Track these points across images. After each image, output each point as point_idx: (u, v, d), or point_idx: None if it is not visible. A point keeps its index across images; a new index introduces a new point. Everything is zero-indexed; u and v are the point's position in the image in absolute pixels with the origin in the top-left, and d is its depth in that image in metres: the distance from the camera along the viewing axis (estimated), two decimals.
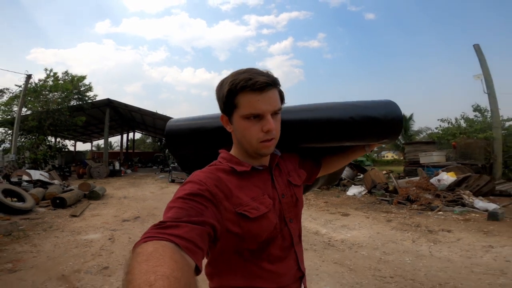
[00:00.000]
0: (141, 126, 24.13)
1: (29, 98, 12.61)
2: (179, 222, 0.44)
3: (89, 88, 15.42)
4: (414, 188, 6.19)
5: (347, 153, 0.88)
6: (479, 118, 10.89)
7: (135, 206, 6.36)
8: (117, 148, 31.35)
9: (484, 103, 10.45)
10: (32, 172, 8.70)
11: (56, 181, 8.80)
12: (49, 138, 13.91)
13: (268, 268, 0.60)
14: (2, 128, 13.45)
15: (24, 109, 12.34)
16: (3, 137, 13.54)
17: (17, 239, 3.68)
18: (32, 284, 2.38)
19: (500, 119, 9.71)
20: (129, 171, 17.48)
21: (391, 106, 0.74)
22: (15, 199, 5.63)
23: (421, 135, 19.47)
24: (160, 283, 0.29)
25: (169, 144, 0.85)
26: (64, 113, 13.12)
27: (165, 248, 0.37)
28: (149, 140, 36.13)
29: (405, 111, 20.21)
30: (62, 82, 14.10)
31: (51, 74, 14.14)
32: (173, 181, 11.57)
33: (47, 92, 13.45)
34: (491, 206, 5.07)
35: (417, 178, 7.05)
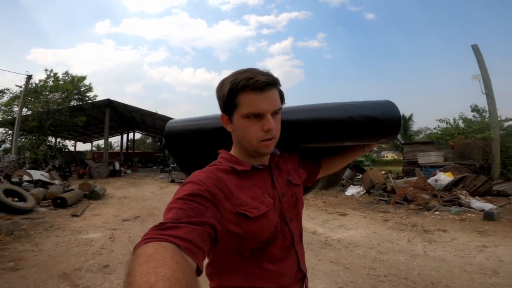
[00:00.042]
0: (141, 126, 24.20)
1: (29, 98, 12.68)
2: (179, 223, 0.44)
3: (89, 89, 15.51)
4: (412, 188, 6.25)
5: (347, 153, 0.88)
6: (477, 119, 10.94)
7: (135, 206, 6.42)
8: (117, 148, 31.42)
9: (483, 103, 10.52)
10: (32, 172, 8.76)
11: (56, 181, 8.85)
12: (50, 138, 13.99)
13: (269, 268, 0.60)
14: (2, 129, 13.54)
15: (24, 110, 12.40)
16: (3, 137, 13.61)
17: (18, 238, 3.73)
18: (34, 282, 2.43)
19: (499, 119, 9.76)
20: (129, 171, 17.54)
21: (389, 106, 0.75)
22: (16, 199, 5.69)
23: (421, 135, 19.51)
24: (161, 284, 0.29)
25: (169, 145, 0.86)
26: (64, 113, 13.19)
27: (165, 249, 0.37)
28: (149, 140, 36.20)
29: (405, 111, 20.24)
30: (62, 82, 14.18)
31: (52, 74, 14.23)
32: (173, 181, 11.62)
33: (47, 93, 13.53)
34: (488, 206, 5.12)
35: (415, 178, 7.11)
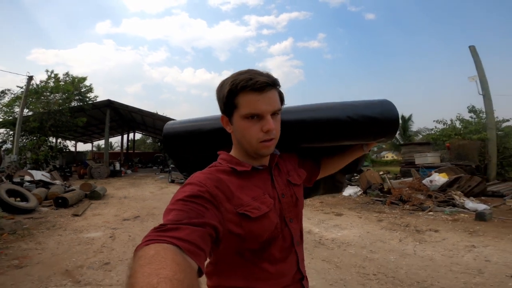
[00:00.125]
0: (141, 126, 24.32)
1: (30, 99, 12.79)
2: (179, 225, 0.44)
3: (90, 89, 15.64)
4: (407, 188, 6.35)
5: (346, 153, 0.88)
6: (474, 119, 11.02)
7: (135, 206, 6.52)
8: (118, 149, 31.53)
9: (481, 104, 10.59)
10: (34, 172, 8.86)
11: (57, 182, 8.96)
12: (51, 138, 14.09)
13: (269, 269, 0.60)
14: (4, 129, 13.64)
15: (25, 110, 12.50)
16: (5, 138, 13.74)
17: (22, 237, 3.85)
18: (38, 278, 2.54)
19: (496, 120, 9.84)
20: (129, 171, 17.65)
21: (387, 105, 0.76)
22: (18, 199, 5.79)
23: (420, 136, 19.58)
24: (163, 285, 0.30)
25: (167, 147, 0.85)
26: (65, 114, 13.30)
27: (166, 251, 0.37)
28: (149, 140, 36.30)
29: (404, 112, 20.32)
30: (63, 83, 14.30)
31: (52, 75, 14.34)
32: (172, 181, 11.72)
33: (48, 93, 13.64)
34: (481, 206, 5.21)
35: (411, 178, 7.21)
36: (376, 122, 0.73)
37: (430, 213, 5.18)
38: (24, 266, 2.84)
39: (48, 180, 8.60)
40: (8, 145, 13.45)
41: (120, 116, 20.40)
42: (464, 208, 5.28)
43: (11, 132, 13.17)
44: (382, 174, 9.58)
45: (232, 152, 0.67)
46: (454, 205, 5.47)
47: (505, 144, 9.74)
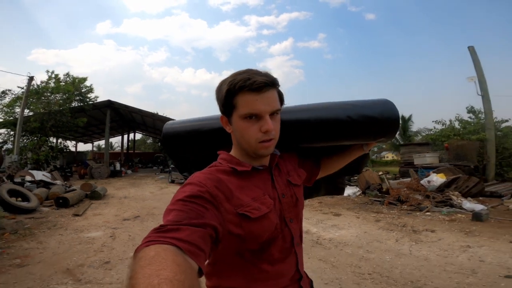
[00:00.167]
0: (141, 127, 24.40)
1: (31, 99, 12.86)
2: (180, 225, 0.44)
3: (90, 90, 15.72)
4: (405, 189, 6.39)
5: (346, 153, 0.88)
6: (473, 120, 11.06)
7: (135, 206, 6.57)
8: (118, 149, 31.61)
9: (480, 104, 10.62)
10: (34, 172, 8.92)
11: (58, 182, 9.02)
12: (51, 139, 14.16)
13: (268, 270, 0.60)
14: (4, 129, 13.72)
15: (26, 111, 12.57)
16: (5, 138, 13.81)
17: (23, 237, 3.90)
18: (40, 277, 2.59)
19: (494, 120, 9.88)
20: (129, 171, 17.71)
21: (387, 105, 0.75)
22: (19, 199, 5.85)
23: (420, 136, 19.60)
24: (163, 286, 0.30)
25: (167, 147, 0.85)
26: (65, 114, 13.38)
27: (167, 252, 0.37)
28: (149, 140, 36.38)
29: (404, 112, 20.33)
30: (63, 84, 14.38)
31: (53, 76, 14.42)
32: (172, 181, 11.77)
33: (49, 94, 13.72)
34: (478, 207, 5.24)
35: (409, 179, 7.25)
36: (376, 122, 0.73)
37: (428, 213, 5.21)
38: (26, 265, 2.89)
39: (48, 180, 8.66)
40: (9, 145, 13.52)
41: (120, 117, 20.47)
42: (462, 208, 5.31)
43: (11, 133, 13.23)
44: (381, 175, 9.62)
45: (232, 152, 0.67)
46: (452, 206, 5.50)
47: (504, 144, 9.78)
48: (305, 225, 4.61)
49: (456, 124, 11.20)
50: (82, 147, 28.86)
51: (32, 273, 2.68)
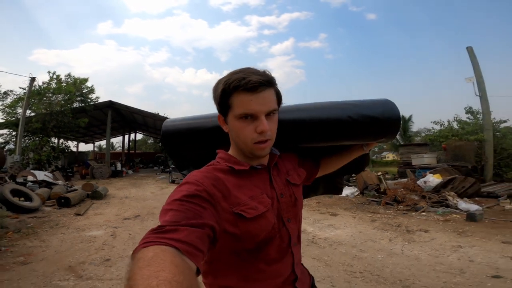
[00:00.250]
0: (142, 127, 24.51)
1: (33, 100, 12.99)
2: (178, 226, 0.44)
3: (91, 90, 15.86)
4: (402, 189, 6.46)
5: (345, 153, 0.88)
6: (471, 120, 11.09)
7: (136, 206, 6.67)
8: (119, 149, 31.78)
9: (478, 105, 10.65)
10: (36, 172, 9.04)
11: (60, 182, 9.13)
12: (53, 139, 14.30)
13: (264, 269, 0.60)
14: (6, 130, 13.86)
15: (28, 111, 12.69)
16: (7, 139, 13.96)
17: (26, 236, 4.00)
18: (43, 273, 2.69)
19: (493, 121, 9.92)
20: (130, 171, 17.80)
21: (388, 105, 0.75)
22: (22, 199, 5.96)
23: (420, 136, 19.63)
24: (162, 287, 0.30)
25: (166, 145, 0.84)
26: (67, 115, 13.49)
27: (165, 253, 0.37)
28: (150, 141, 36.50)
29: (405, 112, 20.34)
30: (65, 84, 14.51)
31: (54, 76, 14.56)
32: (173, 181, 11.85)
33: (50, 95, 13.85)
34: (474, 207, 5.31)
35: (406, 179, 7.32)
36: (377, 122, 0.73)
37: (423, 213, 5.28)
38: (29, 262, 2.99)
39: (50, 180, 8.77)
40: (11, 146, 13.66)
41: (121, 117, 20.59)
42: (457, 209, 5.38)
43: (13, 133, 13.37)
44: (380, 175, 9.69)
45: (230, 151, 0.66)
46: (448, 206, 5.57)
47: (502, 145, 9.81)
48: (302, 225, 4.65)
49: (455, 125, 11.24)
50: (84, 147, 29.02)
51: (35, 270, 2.78)
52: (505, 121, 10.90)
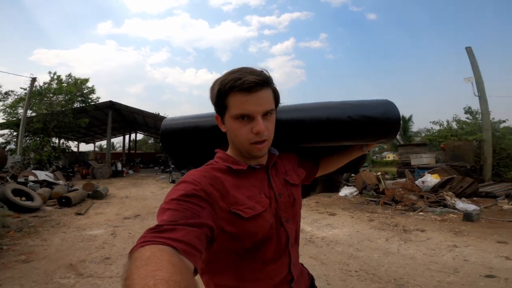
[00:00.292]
0: (143, 127, 24.57)
1: (34, 100, 13.05)
2: (175, 225, 0.44)
3: (92, 91, 15.91)
4: (400, 189, 6.50)
5: (345, 153, 0.88)
6: (471, 120, 11.11)
7: (136, 205, 6.72)
8: (120, 149, 31.86)
9: (478, 105, 10.66)
10: (37, 172, 9.10)
11: (61, 182, 9.19)
12: (54, 139, 14.35)
13: (260, 269, 0.60)
14: (7, 130, 13.94)
15: (29, 112, 12.75)
16: (8, 139, 14.04)
17: (28, 235, 4.06)
18: (44, 271, 2.75)
19: (492, 121, 9.94)
20: (131, 171, 17.85)
21: (389, 106, 0.75)
22: (24, 198, 6.02)
23: (420, 137, 19.65)
24: (159, 287, 0.30)
25: (165, 144, 0.84)
26: (68, 115, 13.55)
27: (162, 252, 0.37)
28: (151, 141, 36.59)
29: (405, 112, 20.38)
30: (65, 85, 14.57)
31: (55, 77, 14.64)
32: (173, 181, 11.89)
33: (51, 95, 13.92)
34: (471, 207, 5.34)
35: (405, 179, 7.36)
36: (377, 123, 0.73)
37: (421, 213, 5.32)
38: (31, 260, 3.04)
39: (51, 180, 8.83)
40: (12, 146, 13.74)
41: (122, 117, 20.65)
42: (455, 208, 5.41)
43: (14, 133, 13.45)
44: (380, 175, 9.73)
45: (228, 151, 0.66)
46: (445, 206, 5.60)
47: (501, 145, 9.83)
48: (301, 224, 4.73)
49: (454, 125, 11.26)
50: (84, 147, 29.11)
51: (37, 268, 2.84)
52: (504, 121, 10.94)
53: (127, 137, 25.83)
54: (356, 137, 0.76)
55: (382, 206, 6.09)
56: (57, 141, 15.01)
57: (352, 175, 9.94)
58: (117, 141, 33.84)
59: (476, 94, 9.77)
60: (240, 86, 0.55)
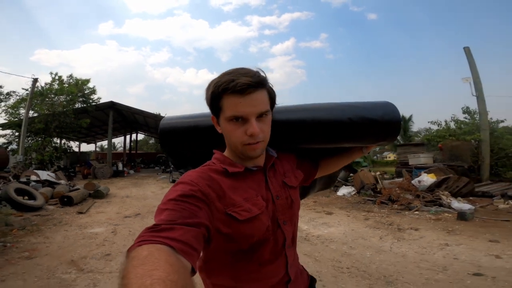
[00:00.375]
0: (143, 127, 24.70)
1: (35, 101, 13.19)
2: (173, 225, 0.44)
3: (93, 91, 16.07)
4: (397, 188, 6.57)
5: (345, 154, 0.87)
6: (469, 120, 11.16)
7: (136, 205, 6.81)
8: (120, 149, 32.01)
9: (476, 105, 10.70)
10: (39, 172, 9.23)
11: (62, 181, 9.31)
12: (55, 139, 14.50)
13: (257, 270, 0.60)
14: (9, 130, 14.08)
15: (31, 112, 12.88)
16: (10, 139, 14.18)
17: (31, 232, 4.16)
18: (46, 267, 2.85)
19: (491, 121, 9.98)
20: (132, 171, 17.94)
21: (389, 108, 0.74)
22: (26, 198, 6.13)
23: (420, 136, 19.68)
24: (156, 287, 0.29)
25: (163, 143, 0.82)
26: (69, 115, 13.67)
27: (160, 252, 0.37)
28: (151, 141, 36.74)
29: (405, 112, 20.42)
30: (67, 85, 14.72)
31: (56, 78, 14.78)
32: (173, 181, 11.98)
33: (53, 95, 14.06)
34: (466, 206, 5.40)
35: (402, 179, 7.43)
36: (377, 125, 0.72)
37: (416, 212, 5.38)
38: (33, 257, 3.14)
39: (53, 179, 8.95)
40: (14, 146, 13.88)
41: (123, 117, 20.78)
42: (450, 208, 5.48)
43: (16, 133, 13.57)
44: (379, 174, 9.79)
45: (226, 152, 0.66)
46: (441, 205, 5.67)
47: (499, 144, 9.87)
48: (298, 223, 4.81)
49: (452, 125, 11.31)
50: (85, 147, 29.25)
51: (39, 264, 2.94)
52: (502, 121, 10.98)
53: (128, 137, 25.96)
54: (356, 138, 0.76)
55: (378, 205, 6.16)
56: (58, 141, 15.16)
57: (351, 175, 10.04)
58: (118, 141, 34.12)
59: (474, 94, 9.82)
60: (233, 89, 0.55)
